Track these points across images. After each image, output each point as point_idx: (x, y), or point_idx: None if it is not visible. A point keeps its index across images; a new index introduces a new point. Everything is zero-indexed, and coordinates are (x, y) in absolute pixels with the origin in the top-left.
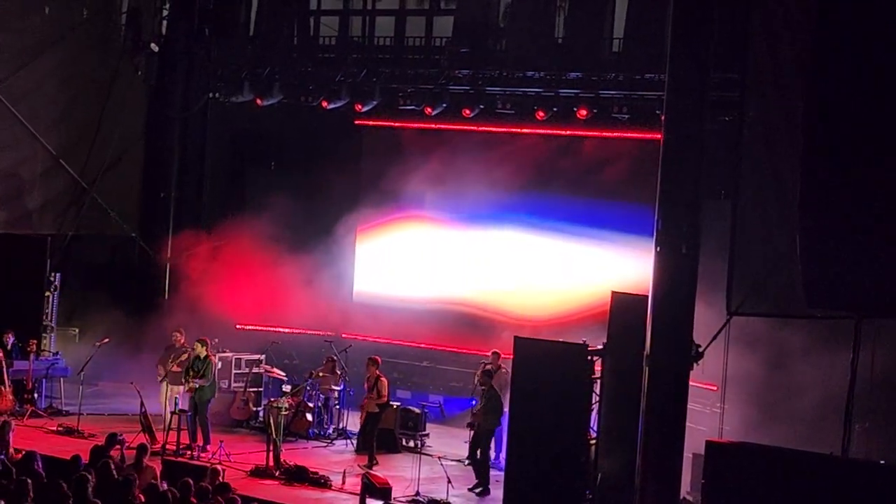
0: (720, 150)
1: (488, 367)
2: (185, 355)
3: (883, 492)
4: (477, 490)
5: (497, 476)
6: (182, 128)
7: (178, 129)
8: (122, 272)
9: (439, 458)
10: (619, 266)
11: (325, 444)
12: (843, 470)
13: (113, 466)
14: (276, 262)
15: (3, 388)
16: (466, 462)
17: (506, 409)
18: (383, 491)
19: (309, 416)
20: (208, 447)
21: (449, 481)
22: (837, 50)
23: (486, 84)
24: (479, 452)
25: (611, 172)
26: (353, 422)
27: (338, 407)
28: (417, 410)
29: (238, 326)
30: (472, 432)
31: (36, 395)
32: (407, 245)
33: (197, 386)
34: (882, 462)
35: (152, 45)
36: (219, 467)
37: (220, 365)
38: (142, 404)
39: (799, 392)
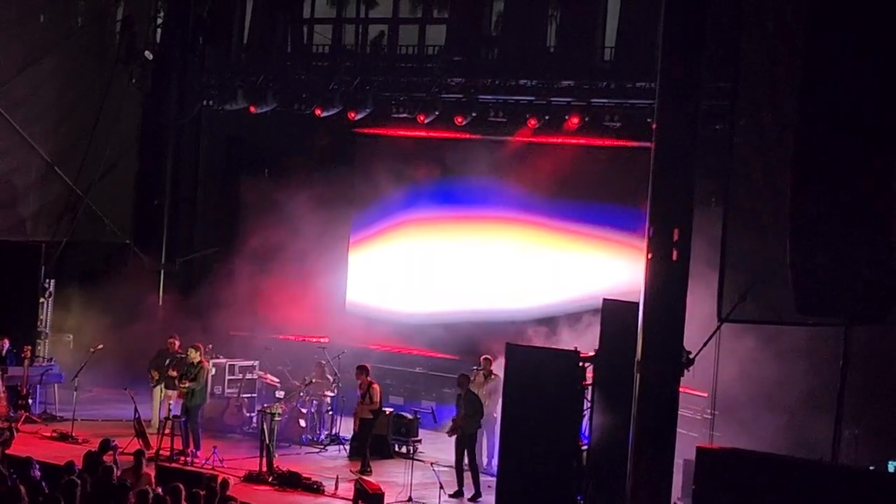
0: (711, 157)
1: (463, 372)
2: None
3: (872, 497)
4: (460, 497)
5: (489, 481)
6: (176, 135)
7: (172, 136)
8: (116, 279)
9: (431, 463)
10: (612, 272)
11: (318, 450)
12: (833, 476)
13: (115, 472)
14: (269, 269)
15: None
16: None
17: (496, 415)
18: (376, 496)
19: (302, 422)
20: (199, 453)
21: (441, 487)
22: (829, 60)
23: (478, 92)
24: (465, 457)
25: (602, 180)
26: (345, 427)
27: (330, 413)
28: (410, 416)
29: (232, 332)
30: (455, 438)
31: (30, 401)
32: (400, 253)
33: (187, 389)
34: (871, 468)
35: (146, 52)
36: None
37: (213, 371)
38: (136, 410)
39: (789, 397)
